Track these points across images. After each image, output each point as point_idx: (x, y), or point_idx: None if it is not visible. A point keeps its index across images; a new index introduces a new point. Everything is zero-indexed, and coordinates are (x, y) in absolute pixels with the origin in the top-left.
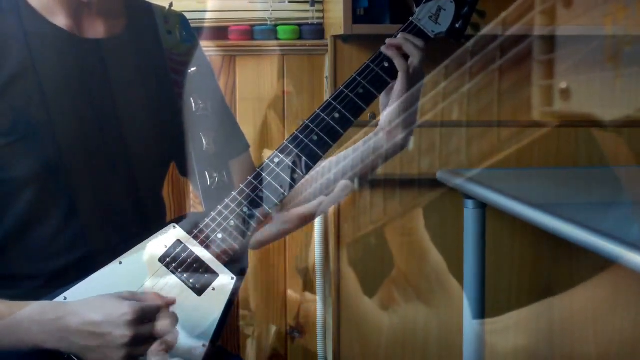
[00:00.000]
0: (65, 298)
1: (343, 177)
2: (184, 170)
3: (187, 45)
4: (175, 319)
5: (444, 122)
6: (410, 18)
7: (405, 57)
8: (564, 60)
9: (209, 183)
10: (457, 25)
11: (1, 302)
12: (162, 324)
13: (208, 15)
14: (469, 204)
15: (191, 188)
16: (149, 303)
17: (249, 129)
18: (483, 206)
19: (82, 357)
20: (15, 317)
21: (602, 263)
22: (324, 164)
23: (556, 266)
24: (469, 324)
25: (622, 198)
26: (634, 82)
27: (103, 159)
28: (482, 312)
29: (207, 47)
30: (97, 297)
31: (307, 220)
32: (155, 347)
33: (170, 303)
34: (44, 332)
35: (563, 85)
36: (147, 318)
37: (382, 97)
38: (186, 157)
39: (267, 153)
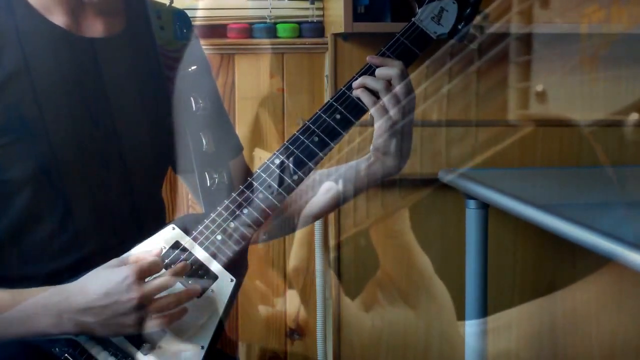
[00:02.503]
0: None
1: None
2: (176, 168)
3: (180, 41)
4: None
5: (443, 122)
6: (412, 19)
7: (376, 93)
8: (567, 58)
9: (208, 184)
10: (460, 27)
11: (5, 291)
12: (164, 278)
13: (207, 13)
14: (471, 204)
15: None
16: (143, 262)
17: (247, 128)
18: (485, 206)
19: (96, 334)
20: (21, 305)
21: (605, 263)
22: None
23: (559, 266)
24: (471, 324)
25: (624, 198)
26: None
27: (99, 160)
28: (484, 312)
29: (206, 46)
30: (92, 272)
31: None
32: (163, 301)
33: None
34: (51, 317)
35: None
36: (146, 275)
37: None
38: (180, 156)
39: (263, 152)
